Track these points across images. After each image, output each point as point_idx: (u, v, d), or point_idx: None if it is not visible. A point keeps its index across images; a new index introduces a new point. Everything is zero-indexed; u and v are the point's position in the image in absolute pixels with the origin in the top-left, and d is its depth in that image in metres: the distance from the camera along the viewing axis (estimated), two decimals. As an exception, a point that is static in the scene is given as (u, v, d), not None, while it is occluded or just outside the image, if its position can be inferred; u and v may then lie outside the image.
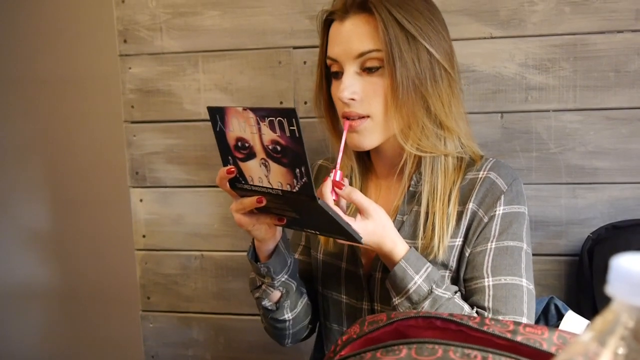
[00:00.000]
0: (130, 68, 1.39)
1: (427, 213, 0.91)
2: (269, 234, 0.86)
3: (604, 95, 1.18)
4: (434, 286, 0.82)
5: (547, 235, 1.24)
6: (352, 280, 0.98)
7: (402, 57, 0.84)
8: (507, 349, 0.45)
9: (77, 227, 1.66)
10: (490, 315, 0.85)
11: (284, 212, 0.82)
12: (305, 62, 1.30)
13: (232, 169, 0.76)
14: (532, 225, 1.22)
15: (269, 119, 0.68)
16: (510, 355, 0.45)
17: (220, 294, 1.43)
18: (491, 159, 0.95)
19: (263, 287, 0.94)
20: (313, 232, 0.90)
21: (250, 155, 0.73)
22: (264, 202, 0.77)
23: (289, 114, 0.66)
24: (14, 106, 1.63)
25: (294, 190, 0.71)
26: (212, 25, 1.33)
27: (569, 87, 1.19)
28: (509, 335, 0.47)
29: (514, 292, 0.86)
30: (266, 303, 0.96)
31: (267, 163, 0.72)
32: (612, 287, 0.28)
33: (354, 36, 0.87)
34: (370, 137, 0.90)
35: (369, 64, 0.87)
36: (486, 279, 0.87)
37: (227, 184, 0.78)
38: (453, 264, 0.91)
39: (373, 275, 0.95)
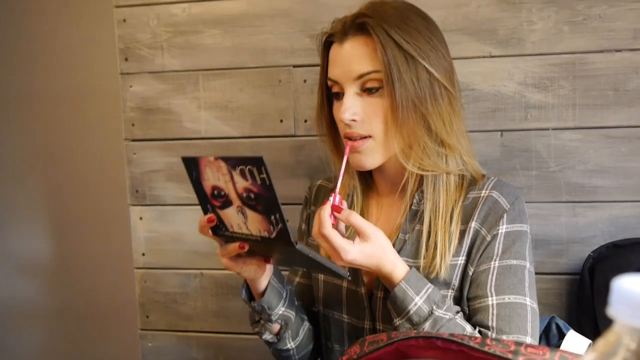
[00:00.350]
0: (131, 86, 1.40)
1: (429, 231, 0.91)
2: (258, 273, 0.87)
3: (603, 114, 1.19)
4: (434, 307, 0.82)
5: (547, 253, 1.24)
6: (354, 299, 0.98)
7: (401, 78, 0.85)
8: (509, 371, 0.45)
9: (77, 245, 1.65)
10: (494, 335, 0.85)
11: (269, 254, 0.82)
12: (305, 81, 1.31)
13: (212, 217, 0.77)
14: (533, 244, 1.21)
15: (239, 167, 0.68)
16: (511, 376, 0.44)
17: (220, 312, 1.42)
18: (493, 177, 0.95)
19: (261, 322, 0.94)
20: (301, 269, 0.89)
21: (227, 203, 0.73)
22: (246, 248, 0.77)
23: (258, 163, 0.65)
24: (14, 123, 1.64)
25: (272, 237, 0.71)
26: (213, 44, 1.34)
27: (568, 105, 1.20)
28: (510, 356, 0.46)
29: (518, 310, 0.85)
30: (267, 336, 0.96)
31: (243, 210, 0.72)
32: (614, 309, 0.28)
33: (353, 58, 0.88)
34: (372, 157, 0.90)
35: (369, 85, 0.88)
36: (490, 298, 0.86)
37: (210, 231, 0.79)
38: (456, 282, 0.90)
39: (375, 294, 0.94)
